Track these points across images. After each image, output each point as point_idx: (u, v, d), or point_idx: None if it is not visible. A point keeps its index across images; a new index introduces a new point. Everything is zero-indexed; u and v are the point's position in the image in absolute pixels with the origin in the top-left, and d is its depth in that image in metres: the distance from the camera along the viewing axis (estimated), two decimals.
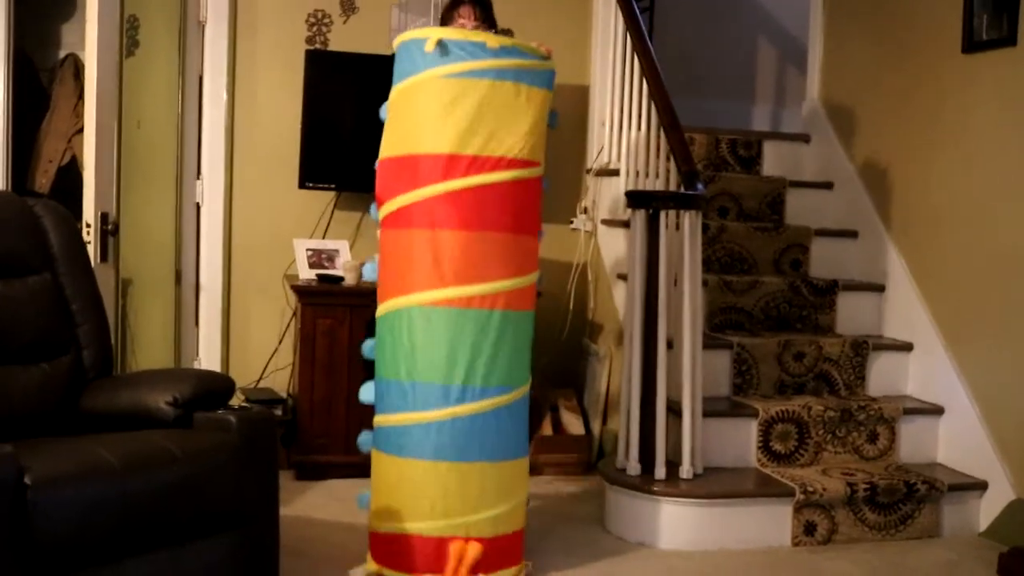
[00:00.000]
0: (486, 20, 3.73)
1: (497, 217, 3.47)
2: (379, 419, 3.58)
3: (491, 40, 3.43)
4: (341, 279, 4.82)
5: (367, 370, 3.76)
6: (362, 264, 4.63)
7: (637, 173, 4.88)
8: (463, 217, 3.43)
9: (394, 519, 3.49)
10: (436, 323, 3.44)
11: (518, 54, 3.49)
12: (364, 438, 3.67)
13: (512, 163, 3.47)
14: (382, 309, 3.57)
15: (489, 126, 3.43)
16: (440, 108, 3.42)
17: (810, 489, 4.05)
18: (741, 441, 4.32)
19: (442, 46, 3.40)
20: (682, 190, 4.27)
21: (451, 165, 3.42)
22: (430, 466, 3.45)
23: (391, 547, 3.52)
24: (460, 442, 3.45)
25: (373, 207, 3.63)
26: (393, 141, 3.55)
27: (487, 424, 3.48)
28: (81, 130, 4.45)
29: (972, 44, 4.46)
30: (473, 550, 3.44)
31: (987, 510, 4.26)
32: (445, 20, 3.76)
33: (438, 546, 3.46)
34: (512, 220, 3.51)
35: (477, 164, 3.43)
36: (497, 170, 3.45)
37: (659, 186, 4.70)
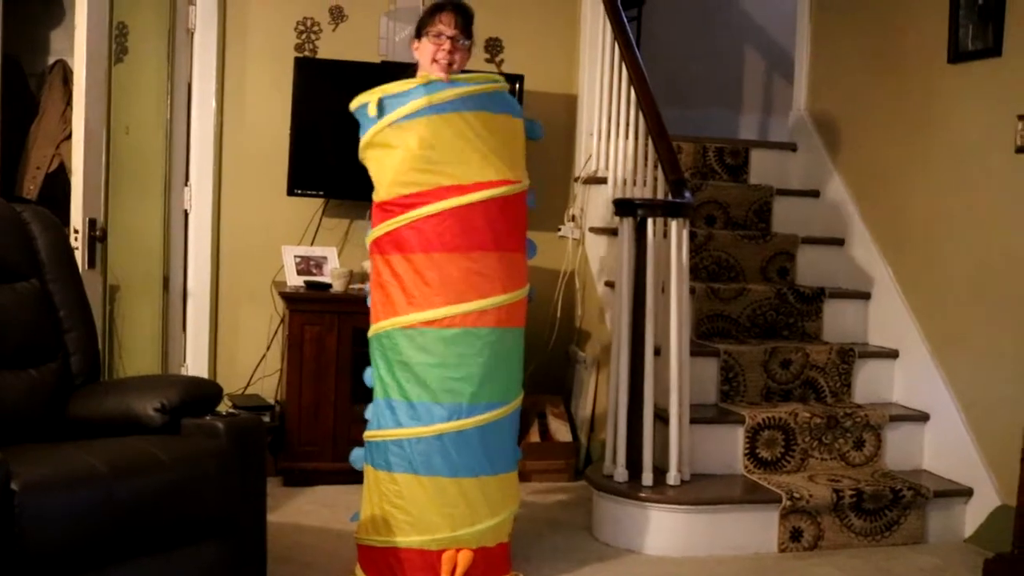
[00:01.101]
0: (465, 30, 3.73)
1: (479, 237, 3.54)
2: (369, 435, 3.62)
3: (421, 78, 3.56)
4: (329, 286, 4.82)
5: (362, 386, 3.78)
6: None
7: (625, 181, 4.89)
8: (446, 239, 3.51)
9: (384, 532, 3.52)
10: (424, 343, 3.50)
11: (455, 84, 3.56)
12: (356, 455, 3.70)
13: (483, 185, 3.54)
14: (373, 330, 3.62)
15: (445, 157, 3.51)
16: (396, 153, 3.54)
17: (796, 495, 4.06)
18: (728, 448, 4.34)
19: (380, 106, 3.54)
20: (669, 198, 4.28)
21: (423, 198, 3.51)
22: (420, 481, 3.50)
23: (381, 560, 3.54)
24: (450, 458, 3.49)
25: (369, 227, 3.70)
26: (375, 188, 3.64)
27: (477, 440, 3.52)
28: (69, 136, 4.45)
29: (958, 54, 4.48)
30: (464, 558, 3.49)
31: (972, 516, 4.28)
32: (423, 26, 3.75)
33: (427, 559, 3.49)
34: (494, 239, 3.57)
35: (448, 190, 3.50)
36: (470, 193, 3.51)
37: (647, 194, 4.72)
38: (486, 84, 3.66)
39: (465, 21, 3.72)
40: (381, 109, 3.54)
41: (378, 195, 3.61)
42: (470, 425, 3.50)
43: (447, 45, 3.65)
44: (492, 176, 3.56)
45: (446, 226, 3.50)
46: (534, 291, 3.82)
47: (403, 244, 3.52)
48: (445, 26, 3.67)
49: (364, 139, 3.61)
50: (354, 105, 3.64)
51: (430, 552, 3.49)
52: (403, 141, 3.52)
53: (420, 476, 3.49)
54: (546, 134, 3.92)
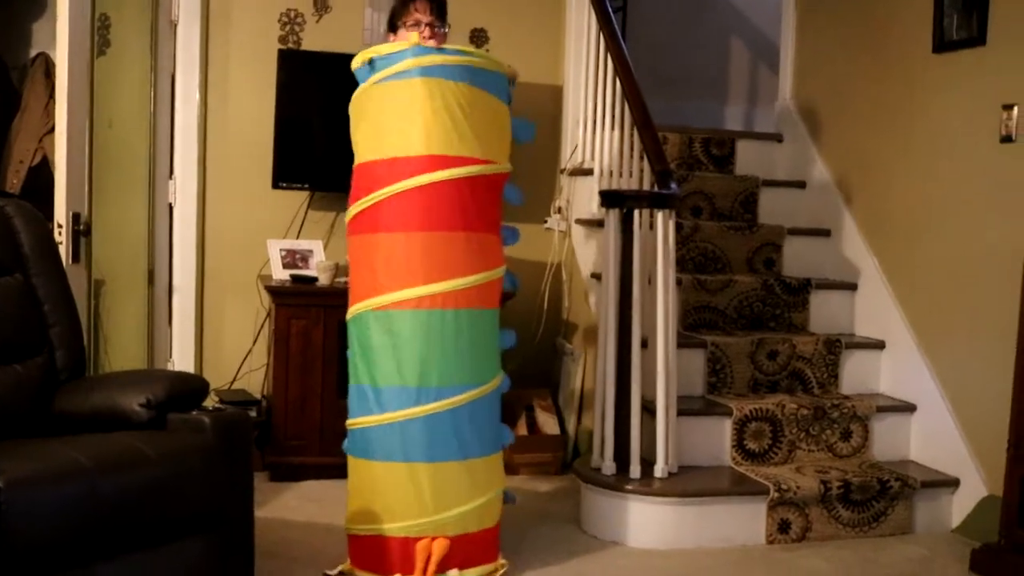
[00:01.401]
0: (441, 16, 3.74)
1: (450, 217, 3.50)
2: (349, 423, 3.61)
3: (413, 38, 3.54)
4: (315, 279, 4.81)
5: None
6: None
7: (611, 173, 4.89)
8: (417, 218, 3.48)
9: (365, 520, 3.52)
10: (391, 325, 3.49)
11: (444, 51, 3.54)
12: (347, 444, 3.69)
13: (459, 160, 3.50)
14: (348, 314, 3.62)
15: (426, 122, 3.48)
16: (373, 116, 3.55)
17: (784, 487, 4.06)
18: (715, 440, 4.34)
19: (371, 63, 3.53)
20: (656, 189, 4.27)
21: (393, 169, 3.49)
22: (394, 467, 3.49)
23: (364, 548, 3.54)
24: (422, 442, 3.47)
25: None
26: (356, 151, 3.63)
27: (449, 424, 3.50)
28: (52, 130, 4.42)
29: (942, 44, 4.49)
30: (439, 547, 3.47)
31: (959, 507, 4.29)
32: (397, 17, 3.75)
33: (408, 546, 3.48)
34: (464, 219, 3.53)
35: (423, 160, 3.47)
36: (445, 169, 3.48)
37: (633, 185, 4.71)
38: (474, 58, 3.61)
39: (439, 7, 3.72)
40: (372, 66, 3.52)
41: (358, 158, 3.60)
42: (440, 408, 3.47)
43: (426, 32, 3.66)
44: (469, 152, 3.53)
45: (417, 204, 3.47)
46: (517, 282, 3.81)
47: (376, 223, 3.51)
48: (421, 14, 3.68)
49: (353, 96, 3.60)
50: (355, 64, 3.61)
51: (410, 538, 3.47)
52: (387, 101, 3.51)
53: (394, 462, 3.47)
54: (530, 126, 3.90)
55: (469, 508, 3.54)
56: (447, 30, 3.76)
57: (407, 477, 3.47)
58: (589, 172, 5.12)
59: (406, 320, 3.47)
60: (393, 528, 3.48)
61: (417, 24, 3.67)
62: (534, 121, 3.90)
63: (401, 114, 3.49)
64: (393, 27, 3.75)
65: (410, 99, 3.48)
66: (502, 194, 3.71)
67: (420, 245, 3.48)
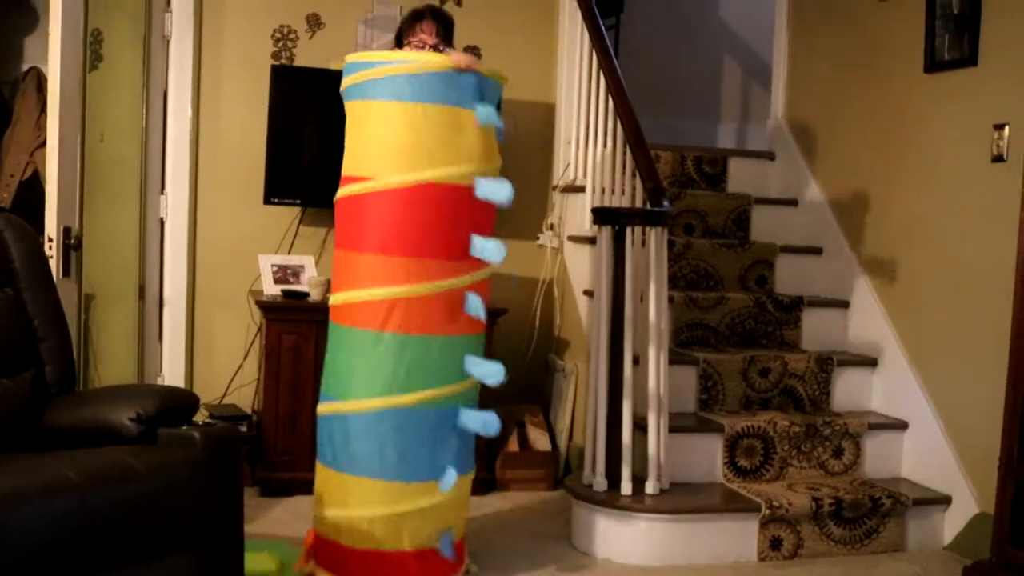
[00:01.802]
0: (446, 38, 3.74)
1: (354, 234, 3.53)
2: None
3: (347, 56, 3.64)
4: (306, 295, 4.80)
5: None
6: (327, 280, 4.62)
7: (603, 190, 4.89)
8: (344, 235, 3.58)
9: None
10: (342, 338, 3.66)
11: (372, 64, 3.51)
12: None
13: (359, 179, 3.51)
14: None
15: (354, 142, 3.57)
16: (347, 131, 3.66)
17: (776, 504, 4.06)
18: (707, 457, 4.33)
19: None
20: (648, 207, 4.28)
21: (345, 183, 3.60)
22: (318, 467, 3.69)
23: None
24: (332, 448, 3.59)
25: None
26: None
27: (367, 435, 3.52)
28: (44, 143, 4.41)
29: (934, 64, 4.51)
30: (308, 537, 3.62)
31: (951, 524, 4.29)
32: (403, 33, 3.76)
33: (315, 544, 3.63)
34: (424, 240, 3.47)
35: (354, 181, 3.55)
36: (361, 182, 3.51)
37: (625, 203, 4.72)
38: (407, 65, 3.44)
39: (445, 28, 3.74)
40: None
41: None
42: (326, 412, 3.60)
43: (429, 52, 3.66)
44: (411, 168, 3.42)
45: (344, 220, 3.56)
46: (484, 313, 3.70)
47: (344, 240, 3.60)
48: (426, 34, 3.68)
49: None
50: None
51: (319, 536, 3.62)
52: (349, 118, 3.61)
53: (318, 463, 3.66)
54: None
55: (346, 514, 3.53)
56: (452, 51, 3.77)
57: (324, 478, 3.63)
58: (581, 189, 5.12)
59: (335, 331, 3.64)
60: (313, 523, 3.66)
61: (422, 44, 3.67)
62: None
63: (351, 133, 3.58)
64: (400, 44, 3.76)
65: (355, 118, 3.56)
66: (471, 207, 3.55)
67: (371, 263, 3.50)
